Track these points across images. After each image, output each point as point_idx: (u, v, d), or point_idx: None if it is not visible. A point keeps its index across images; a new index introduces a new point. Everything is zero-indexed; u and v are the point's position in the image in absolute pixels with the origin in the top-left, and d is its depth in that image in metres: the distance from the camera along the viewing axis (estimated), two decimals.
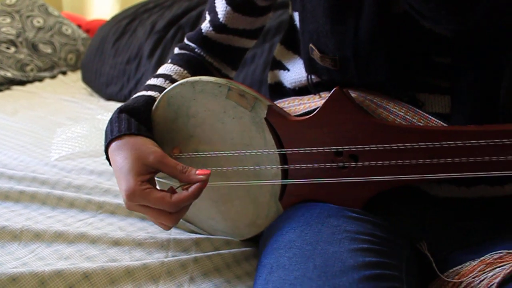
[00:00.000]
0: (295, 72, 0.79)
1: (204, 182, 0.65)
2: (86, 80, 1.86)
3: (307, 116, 0.66)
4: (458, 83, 0.65)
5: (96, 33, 1.93)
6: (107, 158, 0.69)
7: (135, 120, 0.70)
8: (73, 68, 2.16)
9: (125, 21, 1.83)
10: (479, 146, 0.59)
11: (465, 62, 0.64)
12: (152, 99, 0.74)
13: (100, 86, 1.76)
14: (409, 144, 0.61)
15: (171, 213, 0.64)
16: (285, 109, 0.77)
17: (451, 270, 0.65)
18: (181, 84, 0.70)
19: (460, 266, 0.65)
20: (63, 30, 2.17)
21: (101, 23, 2.07)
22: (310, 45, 0.70)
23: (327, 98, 0.64)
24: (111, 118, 0.69)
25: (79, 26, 2.35)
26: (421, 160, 0.61)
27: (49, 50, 2.08)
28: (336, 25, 0.65)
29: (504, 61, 0.62)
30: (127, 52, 1.72)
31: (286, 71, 0.81)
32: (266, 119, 0.67)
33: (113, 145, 0.67)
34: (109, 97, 1.70)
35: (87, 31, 2.33)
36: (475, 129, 0.60)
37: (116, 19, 1.89)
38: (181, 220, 0.80)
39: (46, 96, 1.74)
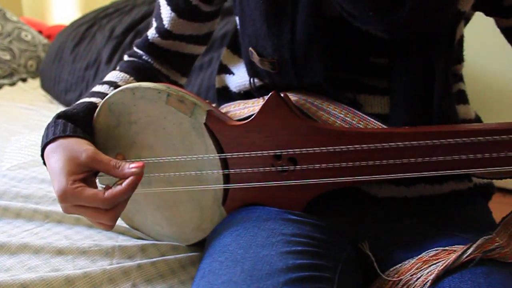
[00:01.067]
0: (239, 76, 0.80)
1: (138, 175, 0.63)
2: (45, 87, 1.83)
3: (245, 121, 0.66)
4: (395, 84, 0.66)
5: (55, 39, 1.90)
6: (45, 164, 0.68)
7: (72, 124, 0.69)
8: (34, 75, 2.12)
9: (84, 27, 1.81)
10: (411, 147, 0.60)
11: (401, 63, 0.65)
12: (92, 105, 0.73)
13: (59, 93, 1.73)
14: (345, 146, 0.62)
15: (107, 210, 0.62)
16: (230, 113, 0.77)
17: (391, 269, 0.66)
18: (121, 90, 0.70)
19: (400, 265, 0.66)
20: (22, 36, 2.14)
21: (63, 28, 2.04)
22: (250, 48, 0.70)
23: (263, 102, 0.65)
24: (48, 124, 0.69)
25: (40, 31, 2.31)
26: (358, 162, 0.62)
27: (7, 57, 2.04)
28: (272, 28, 0.66)
29: (436, 60, 0.64)
30: (86, 58, 1.70)
31: (232, 75, 0.82)
32: (205, 124, 0.67)
33: (48, 148, 0.66)
34: (68, 104, 1.67)
35: (48, 36, 2.29)
36: (409, 130, 0.61)
37: (75, 24, 1.87)
38: (127, 227, 0.80)
39: (3, 104, 1.71)
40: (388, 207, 0.70)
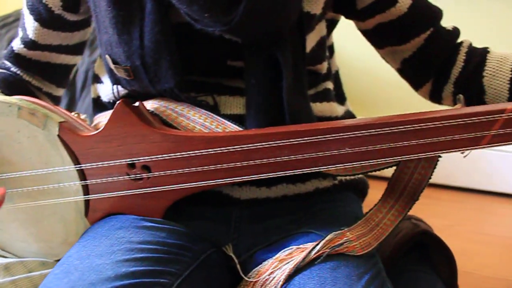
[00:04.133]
0: (107, 85, 0.79)
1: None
2: None
3: (96, 131, 0.66)
4: (247, 85, 0.67)
5: None
6: None
7: None
8: None
9: None
10: (256, 149, 0.61)
11: (252, 64, 0.66)
12: None
13: None
14: (193, 152, 0.62)
15: None
16: (101, 123, 0.76)
17: (253, 270, 0.67)
18: None
19: (260, 265, 0.67)
20: None
21: None
22: (106, 55, 0.70)
23: (111, 112, 0.64)
24: None
25: None
26: (207, 167, 0.63)
27: None
28: (122, 35, 0.66)
29: (282, 61, 0.65)
30: None
31: (102, 84, 0.81)
32: (59, 136, 0.66)
33: None
34: None
35: None
36: (254, 132, 0.62)
37: None
38: None
39: None
40: (252, 208, 0.71)
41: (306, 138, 0.60)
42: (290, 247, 0.65)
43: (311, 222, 0.70)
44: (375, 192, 0.76)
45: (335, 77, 0.91)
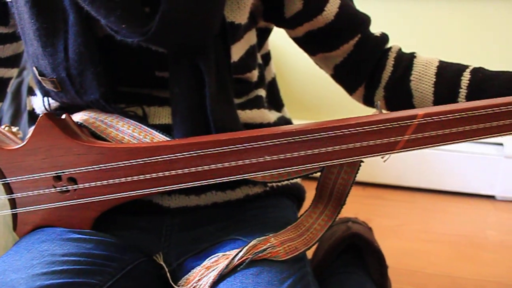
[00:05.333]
0: (40, 98, 0.79)
1: None
2: None
3: (20, 145, 0.66)
4: (173, 94, 0.68)
5: None
6: None
7: None
8: None
9: None
10: (177, 159, 0.62)
11: (175, 74, 0.68)
12: None
13: None
14: (116, 163, 0.63)
15: None
16: None
17: (183, 278, 0.68)
18: None
19: (190, 273, 0.68)
20: None
21: None
22: (33, 67, 0.70)
23: (35, 125, 0.65)
24: None
25: None
26: (131, 177, 0.64)
27: None
28: (47, 47, 0.66)
29: (204, 70, 0.66)
30: None
31: (35, 96, 0.81)
32: None
33: None
34: None
35: None
36: (175, 143, 0.63)
37: None
38: None
39: None
40: (182, 217, 0.72)
41: (226, 147, 0.62)
42: (217, 254, 0.66)
43: (240, 228, 0.71)
44: (313, 192, 0.78)
45: (271, 84, 0.93)
